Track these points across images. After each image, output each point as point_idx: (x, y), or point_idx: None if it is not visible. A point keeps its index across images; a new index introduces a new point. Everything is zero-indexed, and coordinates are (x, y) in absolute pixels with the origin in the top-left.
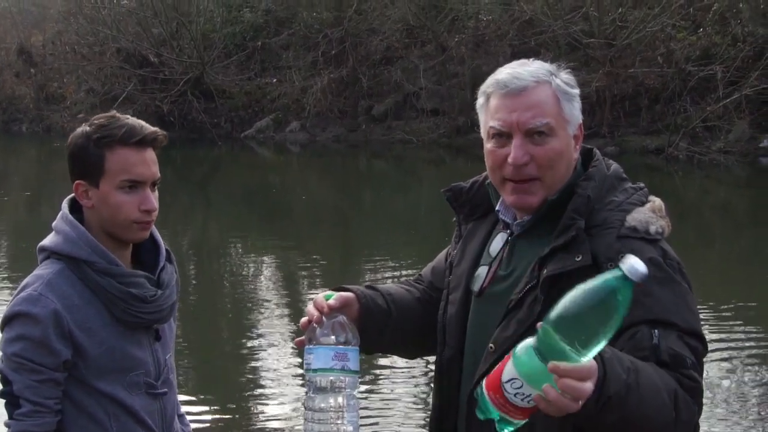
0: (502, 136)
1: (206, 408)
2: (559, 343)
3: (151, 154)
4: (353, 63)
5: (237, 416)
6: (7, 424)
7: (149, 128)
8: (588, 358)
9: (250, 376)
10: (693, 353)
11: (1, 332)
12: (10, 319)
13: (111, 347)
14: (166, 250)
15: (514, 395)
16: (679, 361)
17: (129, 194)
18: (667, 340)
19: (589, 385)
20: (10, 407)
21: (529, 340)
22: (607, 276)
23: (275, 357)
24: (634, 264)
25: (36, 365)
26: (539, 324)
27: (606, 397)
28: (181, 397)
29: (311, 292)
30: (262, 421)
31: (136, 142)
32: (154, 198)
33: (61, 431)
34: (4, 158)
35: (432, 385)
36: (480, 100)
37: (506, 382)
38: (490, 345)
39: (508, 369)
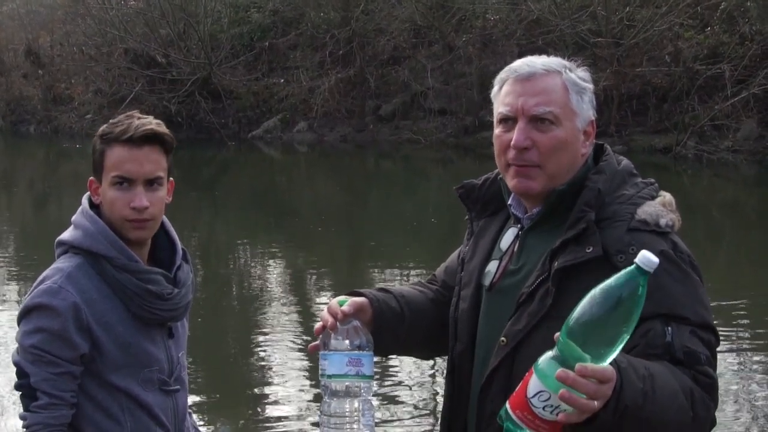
0: (509, 120)
1: (215, 408)
2: (578, 351)
3: (149, 153)
4: (360, 63)
5: (245, 416)
6: (23, 416)
7: (145, 127)
8: (609, 360)
9: (258, 377)
10: (707, 347)
11: (18, 324)
12: (29, 311)
13: (127, 342)
14: (183, 249)
15: (543, 408)
16: (693, 358)
17: (121, 191)
18: (681, 337)
19: (607, 388)
20: (27, 399)
21: (549, 352)
22: (620, 273)
23: (283, 357)
24: (646, 255)
25: (54, 357)
26: (557, 335)
27: (623, 405)
28: (190, 397)
29: (319, 291)
30: (269, 421)
31: (127, 139)
32: (147, 197)
33: (77, 426)
34: (12, 159)
35: (443, 379)
36: (494, 89)
37: (533, 396)
38: (502, 338)
39: (533, 383)
